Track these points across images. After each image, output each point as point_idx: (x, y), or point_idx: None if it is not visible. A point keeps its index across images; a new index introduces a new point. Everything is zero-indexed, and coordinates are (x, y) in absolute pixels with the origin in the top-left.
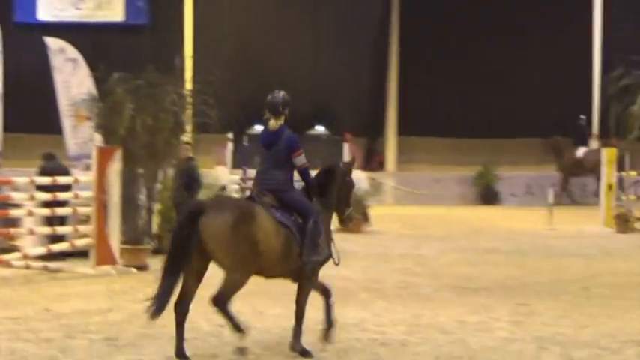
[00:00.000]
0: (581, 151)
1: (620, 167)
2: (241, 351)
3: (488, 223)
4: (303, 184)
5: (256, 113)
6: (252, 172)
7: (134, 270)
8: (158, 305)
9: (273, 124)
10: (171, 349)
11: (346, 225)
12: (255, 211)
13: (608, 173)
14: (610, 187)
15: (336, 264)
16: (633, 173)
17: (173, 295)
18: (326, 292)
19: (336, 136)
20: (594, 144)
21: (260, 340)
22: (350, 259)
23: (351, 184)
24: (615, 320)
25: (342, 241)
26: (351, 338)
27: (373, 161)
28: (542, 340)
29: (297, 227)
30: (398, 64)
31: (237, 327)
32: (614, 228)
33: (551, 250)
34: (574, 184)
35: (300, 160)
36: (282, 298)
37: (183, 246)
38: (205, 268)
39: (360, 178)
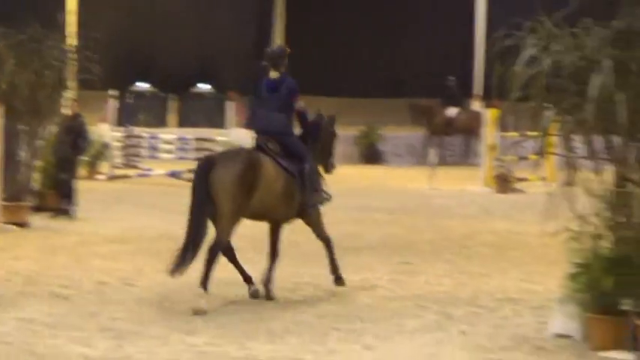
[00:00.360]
0: (452, 112)
1: (502, 128)
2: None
3: (372, 182)
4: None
5: (140, 70)
6: (135, 130)
7: (14, 227)
8: (181, 262)
9: (274, 73)
10: (53, 307)
11: (329, 172)
12: (261, 159)
13: (489, 133)
14: (491, 147)
15: (327, 200)
16: (515, 134)
17: (198, 251)
18: (274, 256)
19: (221, 94)
20: (475, 105)
21: (142, 297)
22: None
23: (334, 135)
24: (494, 279)
25: None
26: (234, 296)
27: None
28: (422, 298)
29: (298, 173)
30: (284, 23)
31: (205, 279)
32: (494, 188)
33: (433, 210)
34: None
35: (300, 104)
36: (164, 256)
37: (201, 199)
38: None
39: (243, 136)
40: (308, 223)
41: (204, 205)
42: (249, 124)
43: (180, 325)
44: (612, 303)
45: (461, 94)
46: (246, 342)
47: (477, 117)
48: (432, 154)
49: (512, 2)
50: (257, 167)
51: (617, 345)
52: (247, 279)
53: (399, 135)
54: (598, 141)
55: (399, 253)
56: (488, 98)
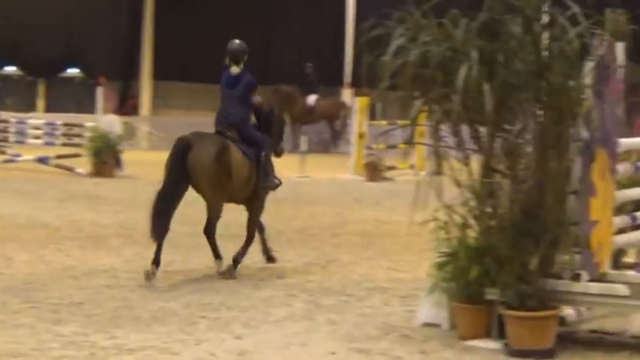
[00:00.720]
0: (311, 99)
1: (372, 116)
2: (227, 273)
3: None
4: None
5: (7, 53)
6: (2, 114)
7: None
8: (156, 228)
9: (235, 69)
10: None
11: (279, 156)
12: (229, 144)
13: (359, 122)
14: (361, 135)
15: (278, 185)
16: (384, 122)
17: (170, 217)
18: (261, 229)
19: (90, 79)
20: (346, 93)
21: (8, 286)
22: (101, 205)
23: (284, 122)
24: (363, 267)
25: (94, 186)
26: (102, 285)
27: (127, 105)
28: (292, 287)
29: (255, 157)
30: (154, 7)
31: (217, 254)
32: (364, 176)
33: (303, 198)
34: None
35: (257, 98)
36: (31, 244)
37: (177, 176)
38: (185, 193)
39: (112, 122)
40: (250, 208)
41: (179, 183)
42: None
43: (47, 315)
44: (478, 292)
45: (319, 81)
46: (114, 331)
47: (336, 104)
48: (303, 142)
49: None
50: (229, 150)
51: (483, 334)
52: (157, 261)
53: None
54: (465, 131)
55: (268, 241)
56: (358, 87)
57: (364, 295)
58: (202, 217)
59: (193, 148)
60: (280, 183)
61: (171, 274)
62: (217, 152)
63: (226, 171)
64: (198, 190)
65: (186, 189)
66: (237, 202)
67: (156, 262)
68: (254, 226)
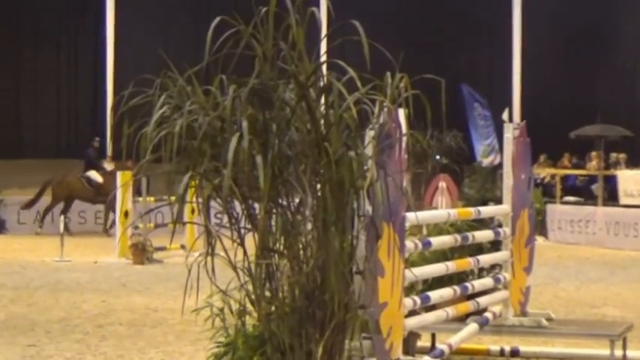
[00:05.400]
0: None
1: (138, 192)
2: None
3: None
4: None
5: None
6: None
7: None
8: None
9: None
10: None
11: None
12: None
13: (123, 199)
14: (126, 214)
15: None
16: (151, 199)
17: None
18: None
19: None
20: (109, 166)
21: None
22: None
23: None
24: None
25: None
26: None
27: None
28: None
29: None
30: None
31: None
32: (131, 259)
33: (63, 284)
34: None
35: None
36: None
37: None
38: None
39: None
40: None
41: None
42: None
43: None
44: None
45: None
46: None
47: None
48: (62, 222)
49: (139, 58)
50: None
51: None
52: None
53: (23, 200)
54: (238, 208)
55: (25, 334)
56: (120, 160)
57: None
58: None
59: None
60: None
61: None
62: None
63: None
64: None
65: None
66: None
67: None
68: None
